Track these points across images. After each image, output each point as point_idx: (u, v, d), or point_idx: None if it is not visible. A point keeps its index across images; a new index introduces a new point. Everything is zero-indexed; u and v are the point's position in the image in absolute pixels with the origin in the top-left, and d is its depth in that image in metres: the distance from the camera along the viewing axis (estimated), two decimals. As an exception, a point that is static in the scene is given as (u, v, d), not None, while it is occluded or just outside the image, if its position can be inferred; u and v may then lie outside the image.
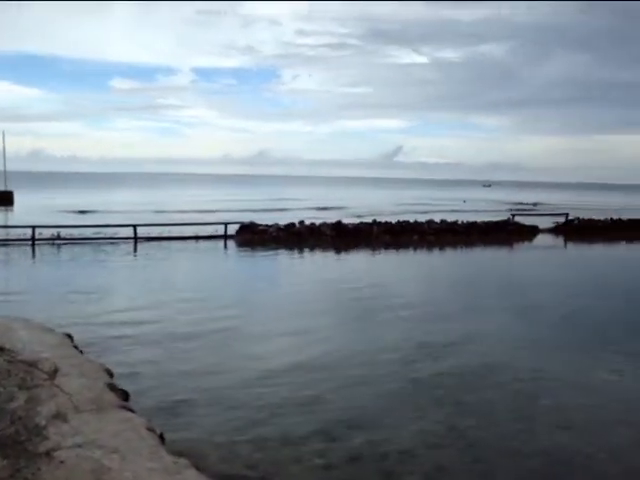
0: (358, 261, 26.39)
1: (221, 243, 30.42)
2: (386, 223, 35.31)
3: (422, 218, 38.15)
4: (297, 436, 8.16)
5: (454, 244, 32.65)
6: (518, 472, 7.43)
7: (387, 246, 30.96)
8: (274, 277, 21.66)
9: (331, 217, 39.14)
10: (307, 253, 28.04)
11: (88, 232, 30.85)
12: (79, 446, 5.93)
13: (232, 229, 32.39)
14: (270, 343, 12.83)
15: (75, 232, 30.56)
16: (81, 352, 9.56)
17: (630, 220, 43.87)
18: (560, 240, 37.27)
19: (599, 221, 42.75)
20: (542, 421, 8.94)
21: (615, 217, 44.15)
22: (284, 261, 25.63)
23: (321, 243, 30.94)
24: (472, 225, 37.51)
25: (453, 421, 8.81)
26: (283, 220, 34.78)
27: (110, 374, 8.44)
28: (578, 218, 43.18)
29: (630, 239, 37.57)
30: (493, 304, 17.43)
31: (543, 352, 12.57)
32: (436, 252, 30.11)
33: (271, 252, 27.54)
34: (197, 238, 31.15)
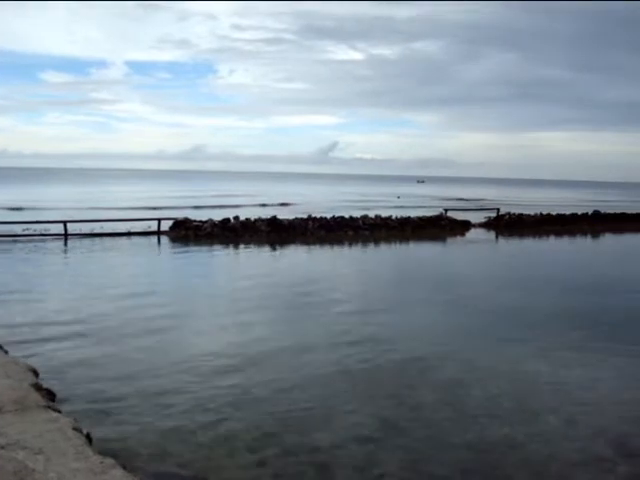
0: (293, 257, 26.37)
1: (154, 239, 29.98)
2: (321, 218, 35.35)
3: (357, 213, 38.40)
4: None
5: (388, 239, 32.98)
6: (450, 462, 7.55)
7: (322, 241, 31.04)
8: (207, 275, 21.44)
9: (266, 212, 39.05)
10: (242, 249, 27.88)
11: (17, 229, 30.03)
12: (2, 447, 5.77)
13: (166, 225, 31.99)
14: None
15: (3, 228, 29.65)
16: (6, 352, 9.30)
17: (559, 215, 45.18)
18: (492, 234, 38.08)
19: (529, 216, 43.86)
20: (471, 411, 9.11)
21: (544, 212, 45.43)
22: (218, 258, 25.40)
23: (256, 238, 30.84)
24: (406, 220, 37.92)
25: (386, 414, 8.90)
26: (219, 216, 34.48)
27: (36, 374, 8.23)
28: (509, 213, 44.25)
29: (559, 233, 38.67)
30: (425, 297, 17.68)
31: (474, 343, 12.80)
32: (371, 247, 30.32)
33: (205, 248, 27.31)
34: (130, 234, 30.65)
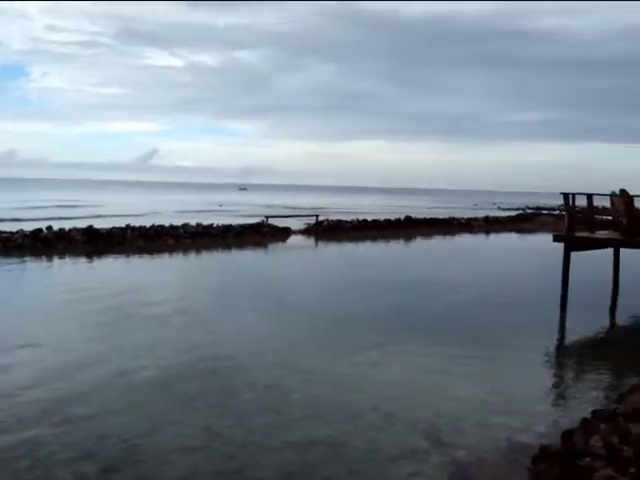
0: (110, 268, 25.50)
1: (-43, 252, 27.81)
2: (140, 227, 34.49)
3: (178, 221, 37.87)
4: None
5: (210, 247, 32.81)
6: (274, 465, 7.61)
7: (142, 251, 30.27)
8: (16, 291, 20.27)
9: (83, 221, 37.50)
10: (56, 261, 26.58)
11: None
12: None
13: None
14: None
15: None
16: None
17: (374, 221, 47.20)
18: (311, 240, 39.01)
19: (347, 222, 45.49)
20: (294, 413, 9.25)
21: (362, 218, 47.36)
22: (29, 271, 24.04)
23: (72, 249, 29.45)
24: (228, 228, 37.96)
25: (209, 422, 8.83)
26: (29, 226, 32.64)
27: None
28: (327, 219, 45.66)
29: (374, 238, 40.32)
30: (248, 304, 17.74)
31: (295, 347, 13.02)
32: (192, 256, 30.01)
33: (15, 261, 25.72)
34: None
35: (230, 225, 38.59)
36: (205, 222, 38.25)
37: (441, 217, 54.23)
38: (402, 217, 50.30)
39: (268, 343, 13.32)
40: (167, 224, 36.14)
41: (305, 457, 7.82)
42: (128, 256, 28.61)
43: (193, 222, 37.71)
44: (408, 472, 7.49)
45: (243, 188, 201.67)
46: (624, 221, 17.62)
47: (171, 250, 31.12)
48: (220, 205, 79.72)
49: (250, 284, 21.60)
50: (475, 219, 55.61)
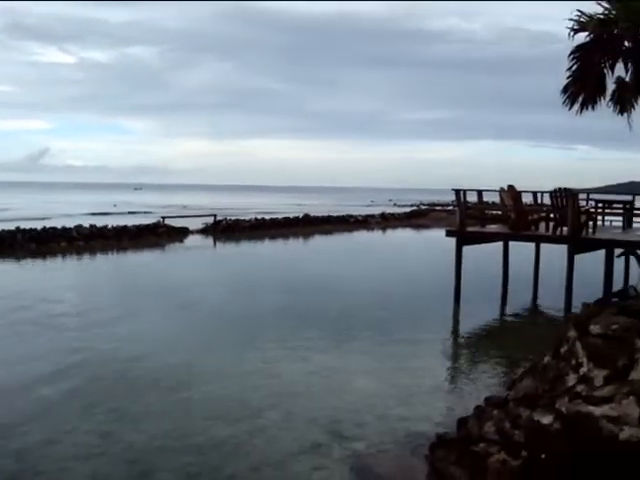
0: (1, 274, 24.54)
1: None
2: (31, 230, 33.27)
3: (70, 223, 36.71)
4: None
5: (105, 249, 32.01)
6: (175, 467, 7.54)
7: (33, 254, 29.20)
8: None
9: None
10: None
11: None
12: None
13: None
14: None
15: None
16: None
17: (272, 219, 47.38)
18: (210, 240, 38.74)
19: (245, 221, 45.46)
20: (196, 414, 9.20)
21: (259, 217, 47.45)
22: None
23: (-43, 254, 28.17)
24: (123, 229, 37.13)
25: (108, 428, 8.65)
26: None
27: None
28: (226, 219, 45.42)
29: (273, 237, 40.45)
30: (147, 306, 17.47)
31: (193, 348, 12.92)
32: (87, 258, 29.21)
33: None
34: None
35: (125, 226, 37.74)
36: (99, 223, 37.27)
37: (339, 214, 54.86)
38: (300, 215, 50.64)
39: (167, 345, 13.17)
40: (59, 226, 35.02)
41: (207, 458, 7.79)
42: (19, 260, 27.58)
43: (86, 223, 36.66)
44: (310, 466, 7.58)
45: (138, 188, 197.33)
46: (512, 215, 18.30)
47: (64, 253, 30.17)
48: (114, 205, 77.66)
49: (147, 286, 21.25)
50: (372, 216, 56.50)
